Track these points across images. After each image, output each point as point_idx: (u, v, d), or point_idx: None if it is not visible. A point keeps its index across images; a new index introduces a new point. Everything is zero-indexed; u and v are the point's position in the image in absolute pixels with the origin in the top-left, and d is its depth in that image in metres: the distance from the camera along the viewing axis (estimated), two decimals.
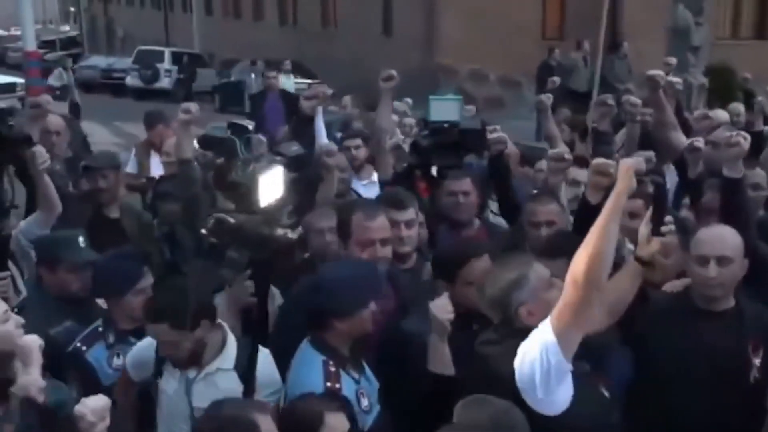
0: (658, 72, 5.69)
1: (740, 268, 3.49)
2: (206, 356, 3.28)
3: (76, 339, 3.69)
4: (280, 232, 3.20)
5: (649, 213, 3.32)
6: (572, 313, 2.65)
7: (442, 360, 3.29)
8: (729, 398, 3.29)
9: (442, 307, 3.29)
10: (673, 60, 8.10)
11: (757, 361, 3.37)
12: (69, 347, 3.66)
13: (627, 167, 2.82)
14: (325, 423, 2.83)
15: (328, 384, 3.18)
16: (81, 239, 4.14)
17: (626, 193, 2.77)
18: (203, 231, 3.51)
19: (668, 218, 3.40)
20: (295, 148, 4.68)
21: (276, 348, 3.52)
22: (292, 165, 4.99)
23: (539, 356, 2.68)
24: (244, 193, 3.27)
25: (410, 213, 4.23)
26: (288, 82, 16.53)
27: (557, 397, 2.73)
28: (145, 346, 3.40)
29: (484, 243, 4.30)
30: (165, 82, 27.11)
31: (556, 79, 10.77)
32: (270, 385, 3.35)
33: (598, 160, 4.13)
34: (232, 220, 3.31)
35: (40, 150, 4.36)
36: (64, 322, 3.83)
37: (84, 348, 3.66)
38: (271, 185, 3.17)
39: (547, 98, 6.79)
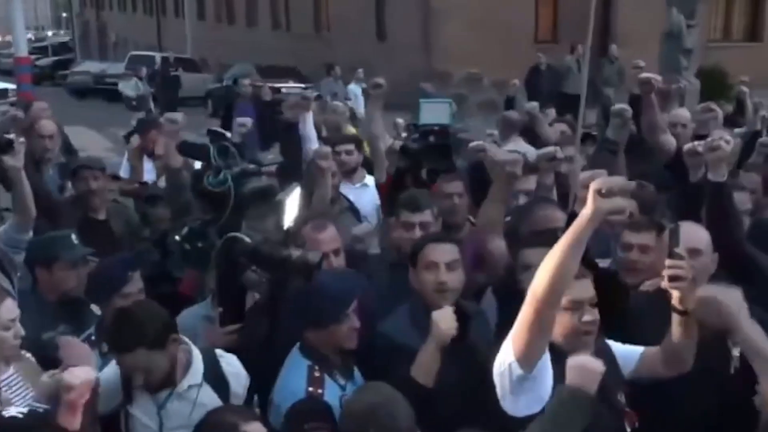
0: (652, 75, 5.72)
1: (710, 264, 3.58)
2: (177, 374, 3.20)
3: None
4: (296, 253, 3.20)
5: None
6: (528, 331, 2.67)
7: (427, 369, 3.26)
8: (712, 390, 3.32)
9: (445, 319, 3.28)
10: (642, 63, 8.18)
11: (736, 353, 3.42)
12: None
13: (595, 188, 2.48)
14: None
15: (310, 389, 3.18)
16: (74, 236, 4.17)
17: (595, 217, 2.49)
18: (176, 238, 3.52)
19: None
20: (270, 157, 4.70)
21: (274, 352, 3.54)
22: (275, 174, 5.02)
23: (504, 371, 2.78)
24: (214, 201, 3.27)
25: (426, 215, 4.19)
26: (357, 89, 15.64)
27: (520, 404, 2.80)
28: (107, 376, 3.17)
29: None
30: None
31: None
32: (239, 386, 3.33)
33: (587, 173, 4.17)
34: (247, 240, 3.31)
35: (18, 148, 4.36)
36: (57, 327, 3.82)
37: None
38: (292, 207, 3.16)
39: (533, 107, 7.11)
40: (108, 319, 3.50)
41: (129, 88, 7.74)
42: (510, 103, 9.68)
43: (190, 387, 3.19)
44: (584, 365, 2.67)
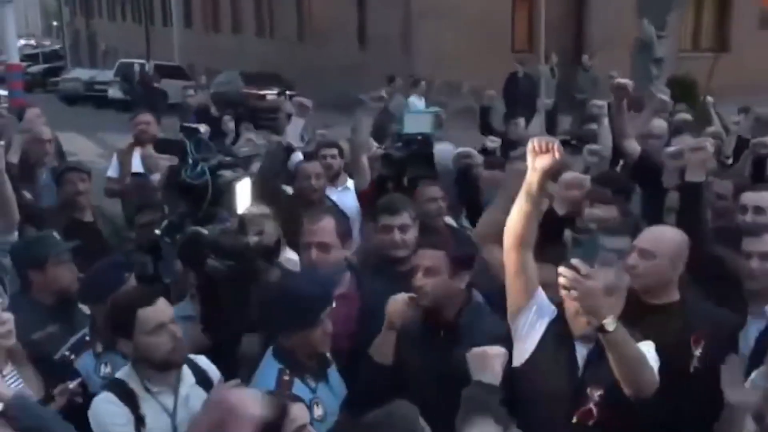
0: (626, 81, 5.78)
1: (666, 268, 3.55)
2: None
3: (63, 346, 3.65)
4: (254, 239, 3.21)
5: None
6: (516, 278, 3.11)
7: (382, 349, 3.45)
8: (674, 387, 3.34)
9: (395, 304, 3.45)
10: (616, 73, 8.38)
11: (697, 352, 3.45)
12: (56, 354, 3.62)
13: (534, 146, 2.92)
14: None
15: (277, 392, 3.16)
16: (55, 233, 4.16)
17: (540, 172, 2.93)
18: (157, 232, 3.51)
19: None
20: (245, 149, 4.68)
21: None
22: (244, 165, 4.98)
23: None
24: (193, 194, 3.26)
25: (404, 218, 4.20)
26: (419, 102, 14.55)
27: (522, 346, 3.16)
28: (110, 412, 3.05)
29: None
30: None
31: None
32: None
33: (568, 175, 4.21)
34: (206, 233, 3.31)
35: (0, 153, 4.33)
36: (47, 327, 3.81)
37: (72, 356, 3.63)
38: (242, 195, 3.16)
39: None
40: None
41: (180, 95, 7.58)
42: (485, 113, 9.68)
43: (188, 394, 3.15)
44: (485, 353, 2.79)
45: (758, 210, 4.53)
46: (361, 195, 5.67)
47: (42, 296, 4.01)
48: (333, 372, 3.42)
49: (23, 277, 4.09)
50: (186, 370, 3.19)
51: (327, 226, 3.86)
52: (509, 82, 17.04)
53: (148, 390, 3.09)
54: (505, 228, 3.11)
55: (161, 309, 3.11)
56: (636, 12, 16.01)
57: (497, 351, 2.79)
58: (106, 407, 3.02)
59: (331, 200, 5.51)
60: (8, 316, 3.29)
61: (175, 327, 3.13)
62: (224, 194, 3.57)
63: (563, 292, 2.87)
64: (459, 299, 3.58)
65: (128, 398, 3.04)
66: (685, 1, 19.03)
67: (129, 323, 3.07)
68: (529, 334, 3.17)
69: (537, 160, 2.93)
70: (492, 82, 15.31)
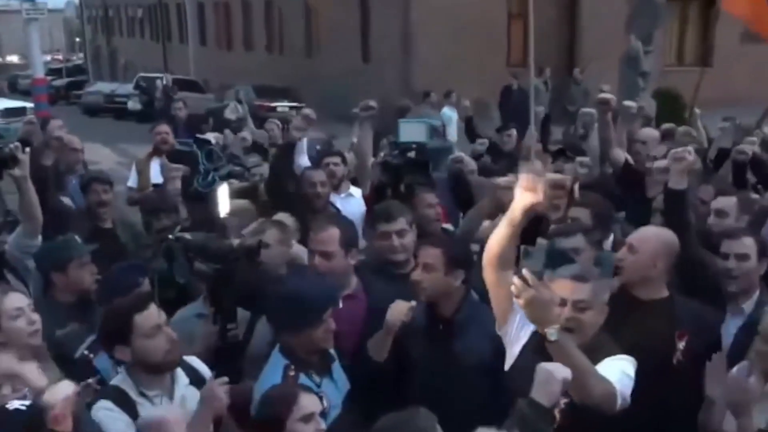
0: (609, 95, 5.84)
1: (646, 263, 3.62)
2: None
3: (82, 345, 3.64)
4: (236, 241, 3.19)
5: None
6: (497, 291, 3.11)
7: (378, 348, 3.49)
8: (658, 378, 3.34)
9: (396, 311, 3.47)
10: (607, 87, 8.48)
11: (680, 346, 3.46)
12: (76, 353, 3.61)
13: (523, 183, 2.88)
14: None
15: None
16: (77, 237, 4.16)
17: (523, 207, 2.88)
18: (170, 237, 3.51)
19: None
20: (253, 159, 4.68)
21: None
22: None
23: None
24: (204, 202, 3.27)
25: (400, 223, 4.19)
26: (452, 113, 13.82)
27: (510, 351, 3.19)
28: (111, 418, 2.97)
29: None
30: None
31: None
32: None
33: (550, 175, 4.24)
34: (189, 237, 3.30)
35: (25, 160, 4.33)
36: (68, 326, 3.80)
37: (91, 355, 3.62)
38: (223, 200, 3.14)
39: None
40: None
41: (229, 111, 7.30)
42: (469, 121, 9.64)
43: (183, 395, 3.11)
44: (552, 373, 2.64)
45: (720, 213, 4.61)
46: (367, 199, 5.71)
47: (63, 297, 4.02)
48: (336, 367, 3.42)
49: (46, 279, 4.09)
50: (179, 372, 3.15)
51: (332, 235, 3.85)
52: (504, 94, 17.05)
53: (143, 395, 3.01)
54: (486, 247, 3.12)
55: (155, 313, 3.07)
56: (624, 28, 16.04)
57: (563, 373, 2.65)
58: (105, 415, 2.93)
59: (335, 206, 5.50)
60: (36, 316, 3.31)
61: (169, 329, 3.10)
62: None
63: (515, 300, 2.86)
64: (456, 296, 3.60)
65: (125, 404, 2.97)
66: (670, 18, 19.08)
67: (126, 329, 3.02)
68: (515, 340, 3.17)
69: (524, 195, 2.91)
70: (487, 94, 15.38)
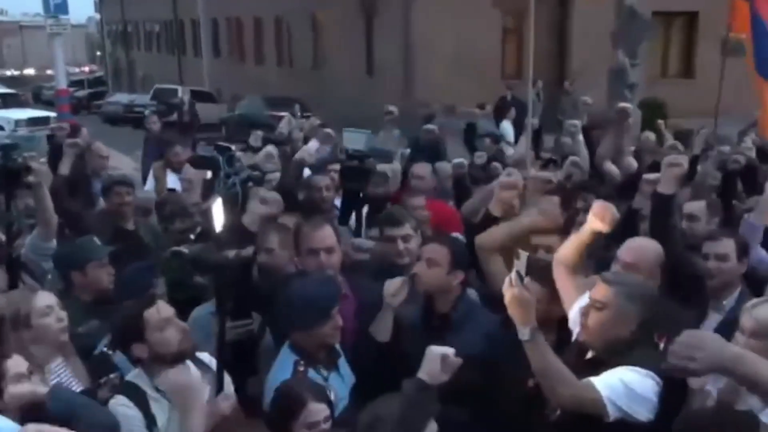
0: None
1: (649, 277, 3.54)
2: None
3: (101, 342, 3.61)
4: (231, 254, 3.18)
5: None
6: (566, 296, 3.35)
7: (381, 328, 3.46)
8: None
9: (393, 287, 3.48)
10: (590, 100, 8.52)
11: (660, 345, 3.45)
12: (96, 349, 3.58)
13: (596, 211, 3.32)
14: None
15: None
16: (95, 239, 4.16)
17: (593, 231, 3.33)
18: (192, 236, 3.46)
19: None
20: (270, 165, 4.65)
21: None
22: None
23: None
24: (225, 205, 3.26)
25: (406, 228, 4.18)
26: (509, 126, 13.71)
27: None
28: (128, 416, 2.94)
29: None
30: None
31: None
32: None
33: (507, 179, 4.27)
34: (186, 251, 3.28)
35: (40, 168, 4.35)
36: (89, 322, 3.80)
37: (110, 352, 3.56)
38: (218, 215, 3.12)
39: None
40: None
41: (284, 124, 7.23)
42: (468, 130, 9.72)
43: None
44: (433, 352, 2.68)
45: (691, 217, 4.61)
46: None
47: (84, 295, 4.01)
48: (342, 362, 3.42)
49: (66, 278, 4.08)
50: (192, 368, 3.12)
51: (329, 231, 3.86)
52: (499, 105, 17.02)
53: (158, 389, 3.00)
54: (555, 258, 3.44)
55: (163, 307, 3.08)
56: (611, 43, 16.06)
57: (442, 350, 2.68)
58: (123, 411, 2.93)
59: (338, 209, 5.51)
60: (64, 314, 3.31)
61: (178, 320, 3.10)
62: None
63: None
64: (453, 294, 3.62)
65: (139, 400, 2.96)
66: (655, 33, 19.07)
67: (139, 326, 3.02)
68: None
69: (595, 222, 3.29)
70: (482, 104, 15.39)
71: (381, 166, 5.66)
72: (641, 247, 3.73)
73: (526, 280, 2.90)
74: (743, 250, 3.96)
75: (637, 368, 2.86)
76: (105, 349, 3.56)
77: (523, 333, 2.79)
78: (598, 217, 3.25)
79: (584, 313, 2.99)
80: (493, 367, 3.26)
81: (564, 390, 2.80)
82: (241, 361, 3.36)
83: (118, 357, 3.50)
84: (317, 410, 2.84)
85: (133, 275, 3.91)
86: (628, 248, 3.72)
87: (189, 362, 3.10)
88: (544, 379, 2.80)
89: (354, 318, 3.66)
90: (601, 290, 2.99)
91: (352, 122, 10.07)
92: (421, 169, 6.05)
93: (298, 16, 28.77)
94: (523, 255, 3.05)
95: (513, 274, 2.84)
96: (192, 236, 3.74)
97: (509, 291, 2.80)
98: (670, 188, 4.05)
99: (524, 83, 8.12)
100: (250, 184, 3.63)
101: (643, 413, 2.81)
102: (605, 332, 2.97)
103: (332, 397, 3.13)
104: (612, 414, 2.78)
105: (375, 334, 3.47)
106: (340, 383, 3.33)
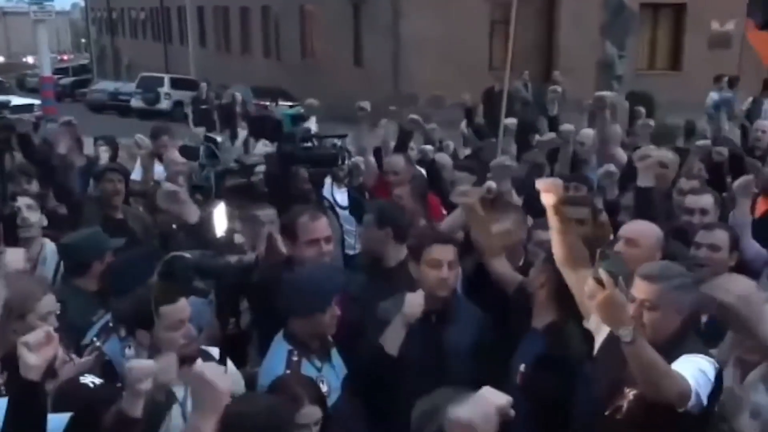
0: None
1: (650, 257, 3.56)
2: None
3: (90, 331, 3.58)
4: (233, 259, 3.15)
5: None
6: (577, 291, 3.17)
7: (392, 339, 3.38)
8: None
9: (415, 301, 3.40)
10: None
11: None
12: (85, 340, 3.55)
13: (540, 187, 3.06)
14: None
15: (288, 371, 3.14)
16: (100, 230, 4.14)
17: (551, 207, 3.08)
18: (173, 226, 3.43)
19: None
20: (254, 159, 4.61)
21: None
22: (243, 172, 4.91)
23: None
24: (202, 195, 3.23)
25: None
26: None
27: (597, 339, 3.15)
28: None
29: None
30: (164, 104, 26.87)
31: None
32: None
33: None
34: (188, 256, 3.25)
35: None
36: (98, 311, 3.77)
37: (99, 342, 3.54)
38: (219, 219, 3.10)
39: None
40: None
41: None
42: (469, 114, 9.82)
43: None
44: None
45: (704, 212, 4.62)
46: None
47: (88, 285, 4.01)
48: (335, 353, 3.40)
49: (79, 268, 4.06)
50: (198, 361, 3.08)
51: (326, 221, 3.88)
52: (487, 94, 17.04)
53: None
54: (553, 253, 3.25)
55: (182, 308, 3.05)
56: (599, 35, 16.08)
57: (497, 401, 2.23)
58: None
59: (334, 198, 5.50)
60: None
61: (191, 326, 3.07)
62: (228, 197, 3.53)
63: (589, 301, 2.77)
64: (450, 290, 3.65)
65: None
66: (642, 26, 19.13)
67: (152, 317, 2.99)
68: (598, 331, 3.08)
69: (546, 198, 3.08)
70: (471, 96, 15.33)
71: (355, 159, 5.66)
72: (643, 225, 3.78)
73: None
74: (735, 243, 3.99)
75: (701, 356, 2.81)
76: (94, 338, 3.53)
77: (625, 335, 2.60)
78: (545, 191, 3.07)
79: (636, 315, 2.81)
80: (488, 356, 3.26)
81: (671, 387, 2.67)
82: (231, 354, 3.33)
83: (108, 346, 3.48)
84: (310, 413, 2.80)
85: (131, 263, 3.87)
86: (630, 226, 3.79)
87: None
88: (650, 376, 2.65)
89: (342, 311, 3.65)
90: (646, 289, 2.86)
91: (339, 113, 9.99)
92: (395, 164, 5.74)
93: (286, 6, 28.62)
94: (612, 251, 2.97)
95: (603, 275, 2.62)
96: (174, 225, 3.69)
97: (600, 295, 2.62)
98: (649, 181, 4.08)
99: (513, 75, 8.11)
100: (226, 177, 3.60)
101: (707, 400, 2.76)
102: (665, 329, 2.86)
103: (325, 388, 3.11)
104: (691, 405, 2.69)
105: (384, 344, 3.40)
106: (333, 374, 3.31)
